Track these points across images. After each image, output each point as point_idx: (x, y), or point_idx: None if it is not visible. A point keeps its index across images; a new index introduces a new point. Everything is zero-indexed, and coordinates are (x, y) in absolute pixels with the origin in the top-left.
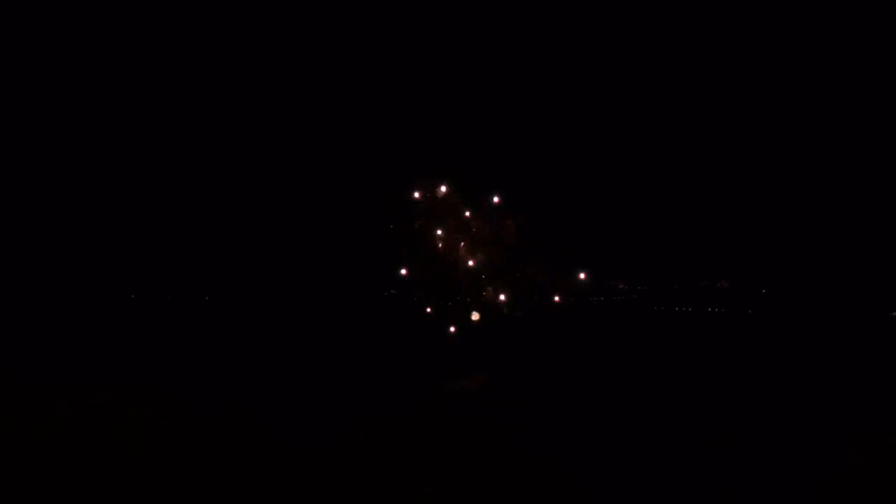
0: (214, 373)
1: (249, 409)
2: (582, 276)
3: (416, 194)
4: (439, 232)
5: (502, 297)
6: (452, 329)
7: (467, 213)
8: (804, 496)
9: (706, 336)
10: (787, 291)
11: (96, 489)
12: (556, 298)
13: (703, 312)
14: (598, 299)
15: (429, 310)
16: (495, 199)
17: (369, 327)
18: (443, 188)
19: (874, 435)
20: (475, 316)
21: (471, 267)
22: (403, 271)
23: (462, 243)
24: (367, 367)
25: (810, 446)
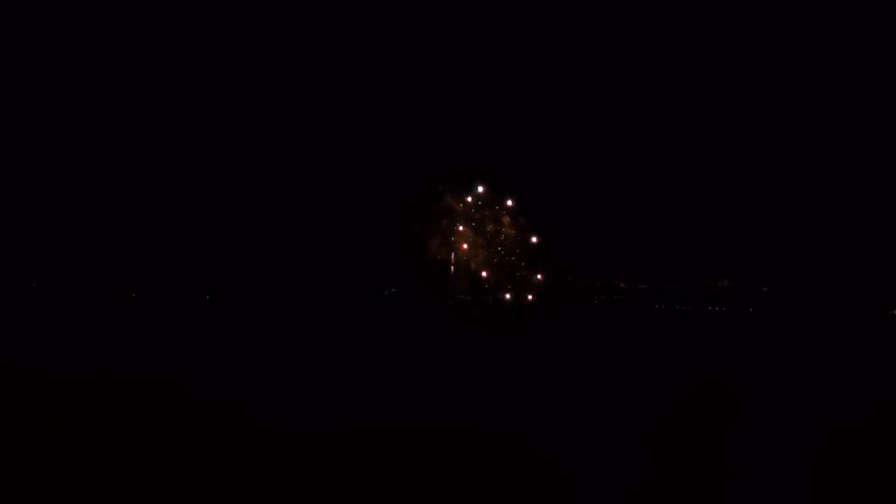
0: (215, 370)
1: (250, 406)
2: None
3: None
4: (463, 230)
5: (507, 295)
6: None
7: (480, 211)
8: (802, 494)
9: (707, 334)
10: (787, 290)
11: (97, 485)
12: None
13: (703, 311)
14: (599, 298)
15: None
16: (509, 202)
17: (371, 324)
18: (471, 189)
19: (874, 433)
20: None
21: (482, 265)
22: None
23: (478, 241)
24: (367, 365)
25: (809, 444)
